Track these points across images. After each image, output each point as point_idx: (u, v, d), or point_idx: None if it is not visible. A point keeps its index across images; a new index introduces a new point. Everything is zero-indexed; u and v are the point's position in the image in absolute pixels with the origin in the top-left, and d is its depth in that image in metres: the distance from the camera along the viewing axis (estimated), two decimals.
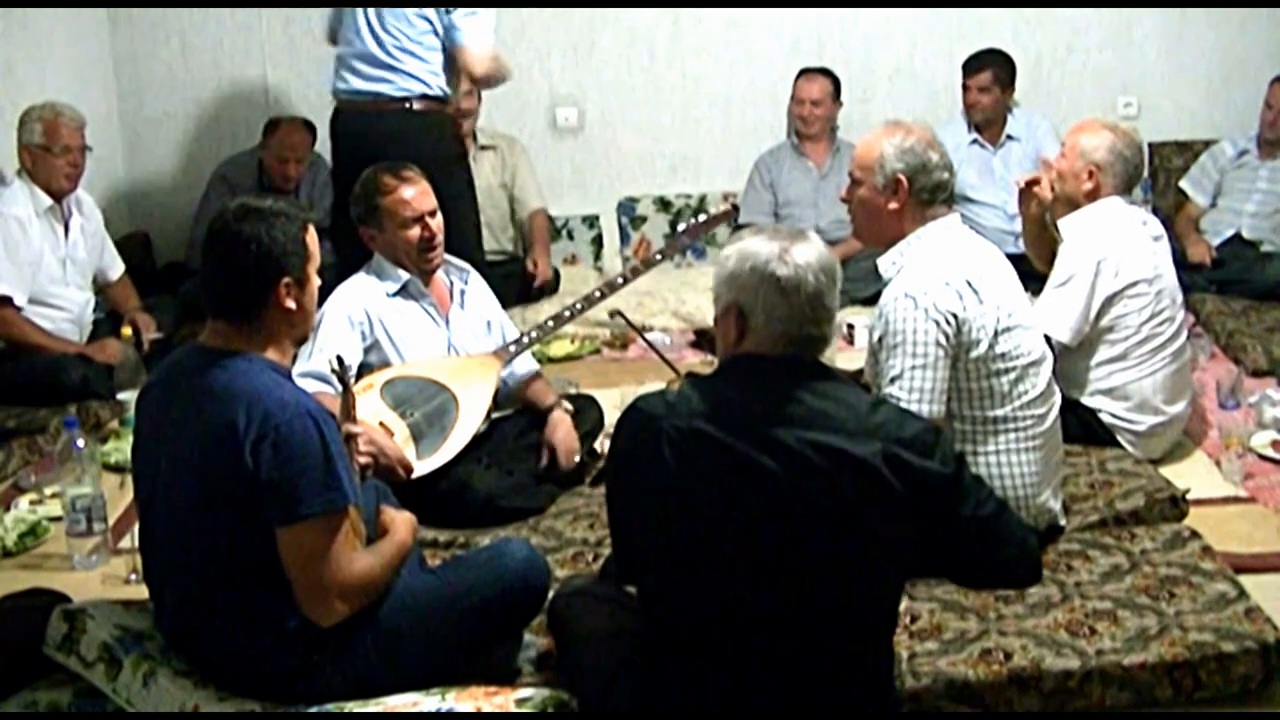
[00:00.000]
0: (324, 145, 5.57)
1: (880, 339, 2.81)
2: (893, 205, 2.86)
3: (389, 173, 3.45)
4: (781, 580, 2.06)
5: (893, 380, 2.75)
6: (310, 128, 5.35)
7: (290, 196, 5.29)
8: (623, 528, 2.25)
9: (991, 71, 5.39)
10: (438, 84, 4.24)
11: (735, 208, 4.29)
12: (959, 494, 2.13)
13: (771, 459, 2.03)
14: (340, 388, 2.75)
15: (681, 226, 3.90)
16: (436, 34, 4.19)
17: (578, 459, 3.47)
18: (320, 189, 5.46)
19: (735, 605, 2.08)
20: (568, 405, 3.54)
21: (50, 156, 4.34)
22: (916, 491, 2.06)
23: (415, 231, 3.38)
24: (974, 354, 2.80)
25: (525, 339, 3.60)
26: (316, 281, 2.41)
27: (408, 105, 4.21)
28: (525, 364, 3.63)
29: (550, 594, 2.60)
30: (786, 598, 2.06)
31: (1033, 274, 3.62)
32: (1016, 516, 2.31)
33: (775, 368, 2.12)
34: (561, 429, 3.48)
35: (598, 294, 3.74)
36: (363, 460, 2.95)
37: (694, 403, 2.11)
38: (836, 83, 5.60)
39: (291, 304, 2.32)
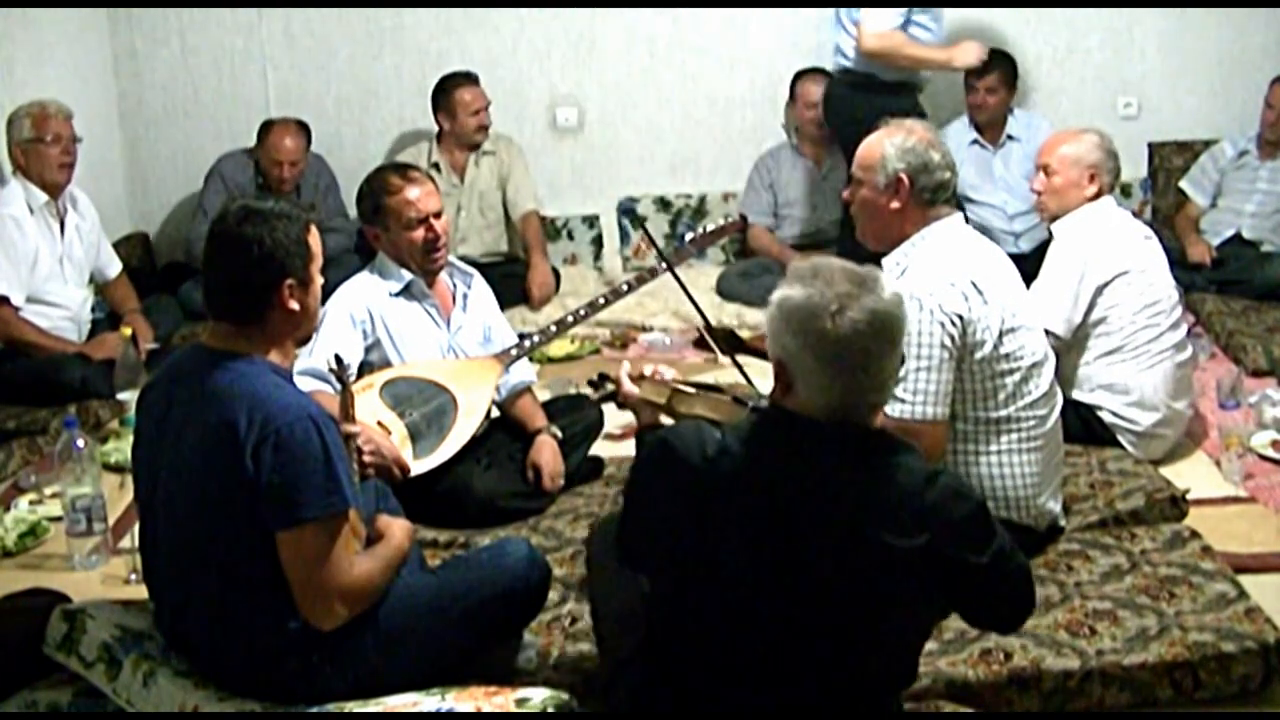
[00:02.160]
0: (322, 145, 5.62)
1: None
2: (894, 205, 2.86)
3: (396, 172, 3.45)
4: (791, 637, 1.99)
5: (897, 382, 2.74)
6: (304, 129, 5.32)
7: (291, 197, 5.29)
8: (637, 544, 2.17)
9: (999, 72, 5.39)
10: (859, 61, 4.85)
11: (744, 218, 4.28)
12: (992, 581, 2.00)
13: (804, 539, 1.93)
14: (339, 387, 2.75)
15: (688, 236, 3.88)
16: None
17: (562, 482, 3.44)
18: (323, 191, 5.45)
19: (743, 659, 2.02)
20: (556, 431, 3.51)
21: (42, 147, 4.33)
22: (951, 579, 1.97)
23: (420, 233, 3.37)
24: (979, 355, 2.79)
25: (527, 343, 3.59)
26: (319, 281, 2.40)
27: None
28: (520, 372, 3.61)
29: (596, 524, 2.60)
30: (800, 657, 2.00)
31: (1034, 274, 3.62)
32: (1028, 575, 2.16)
33: (821, 435, 1.95)
34: (547, 451, 3.44)
35: (601, 300, 3.74)
36: (366, 459, 2.95)
37: (726, 463, 1.97)
38: None
39: (295, 305, 2.32)
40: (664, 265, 3.72)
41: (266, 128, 5.29)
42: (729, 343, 3.86)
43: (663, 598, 2.15)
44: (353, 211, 5.44)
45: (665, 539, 2.06)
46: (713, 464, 1.97)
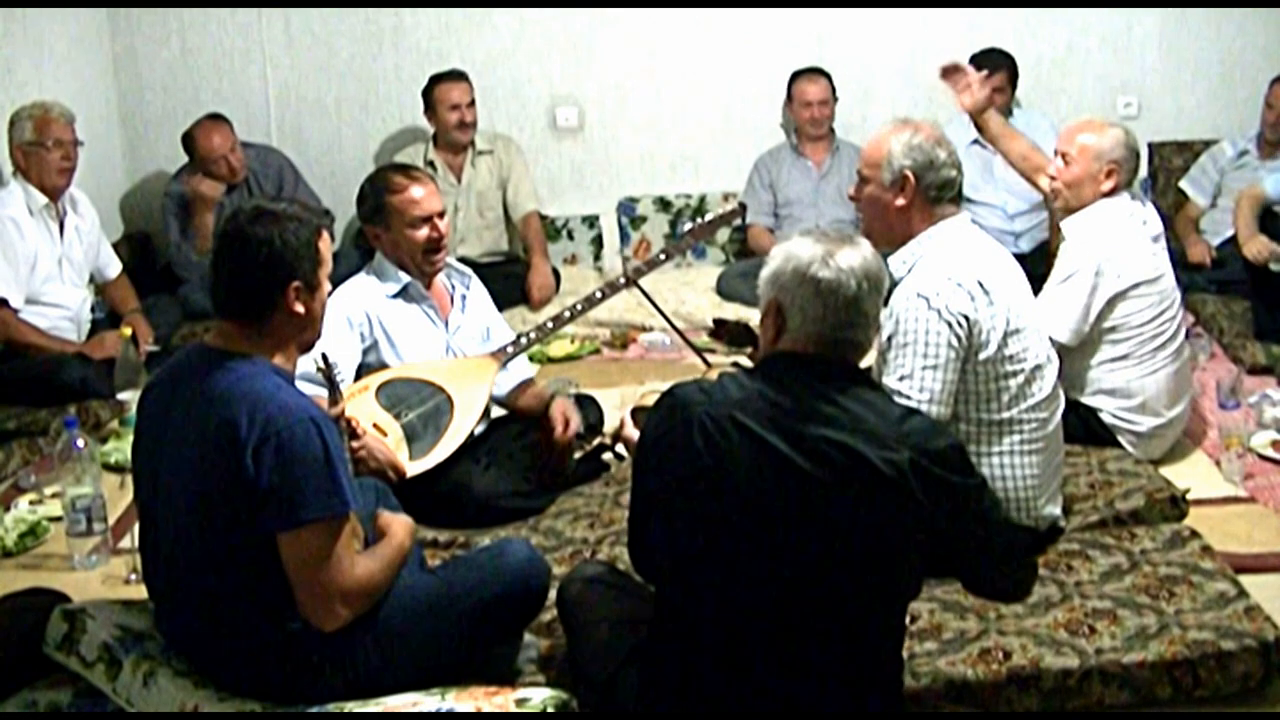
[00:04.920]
0: (322, 145, 5.62)
1: (890, 338, 2.81)
2: (900, 202, 2.86)
3: (399, 172, 3.44)
4: (797, 575, 2.06)
5: (901, 379, 2.74)
6: (222, 119, 5.26)
7: (245, 187, 5.27)
8: (643, 511, 2.24)
9: (1005, 71, 5.39)
10: None
11: (743, 205, 4.26)
12: (978, 504, 2.14)
13: (800, 455, 2.04)
14: (326, 384, 2.75)
15: (687, 226, 3.88)
16: None
17: (581, 429, 3.49)
18: (274, 178, 5.39)
19: (749, 597, 2.08)
20: (569, 390, 3.52)
21: (43, 151, 4.34)
22: (941, 501, 2.07)
23: (423, 232, 3.37)
24: (983, 355, 2.79)
25: (524, 339, 3.59)
26: (327, 287, 2.40)
27: None
28: (519, 371, 3.61)
29: (560, 579, 2.60)
30: (800, 593, 2.06)
31: (1035, 274, 3.60)
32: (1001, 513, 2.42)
33: (810, 367, 2.14)
34: (563, 402, 3.52)
35: (599, 294, 3.73)
36: (355, 443, 2.94)
37: (729, 393, 2.12)
38: (831, 80, 5.60)
39: (299, 308, 2.32)
40: (666, 256, 3.73)
41: (189, 139, 5.22)
42: (744, 338, 3.86)
43: (672, 568, 2.18)
44: (349, 210, 5.49)
45: (673, 478, 2.12)
46: (709, 395, 2.13)
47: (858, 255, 2.14)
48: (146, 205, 5.77)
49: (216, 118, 5.26)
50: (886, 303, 2.89)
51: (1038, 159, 3.85)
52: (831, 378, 2.13)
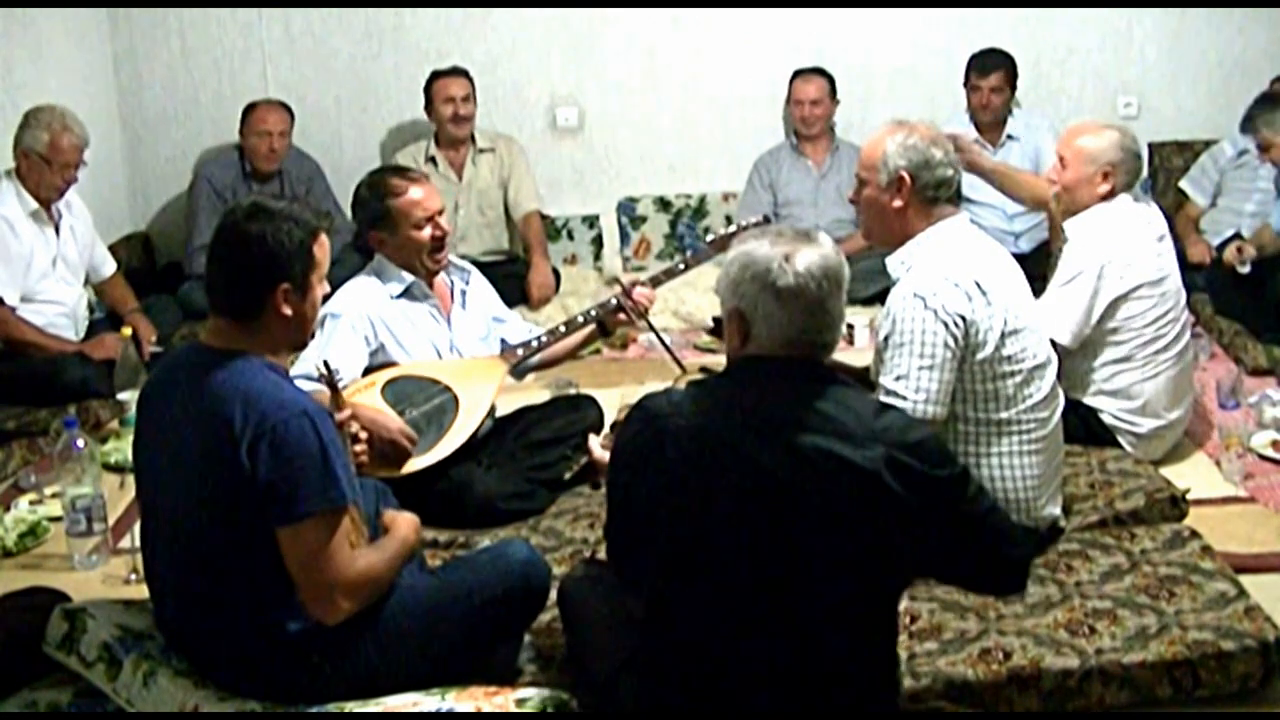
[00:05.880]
0: (322, 145, 5.62)
1: (886, 337, 2.81)
2: (897, 203, 2.86)
3: (396, 174, 3.45)
4: (779, 579, 2.05)
5: (898, 379, 2.74)
6: (287, 108, 5.36)
7: (275, 183, 5.30)
8: (621, 524, 2.24)
9: (1003, 71, 5.39)
10: None
11: (767, 219, 4.25)
12: (964, 494, 2.08)
13: (773, 460, 2.02)
14: (328, 391, 2.74)
15: (710, 237, 3.87)
16: None
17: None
18: (305, 181, 5.43)
19: (738, 600, 2.07)
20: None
21: (47, 169, 4.31)
22: (921, 495, 2.03)
23: (428, 232, 3.38)
24: (980, 356, 2.79)
25: (535, 343, 3.59)
26: (324, 289, 2.39)
27: None
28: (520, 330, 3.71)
29: (560, 579, 2.60)
30: (784, 597, 2.06)
31: (1034, 275, 3.60)
32: (1009, 518, 2.26)
33: (780, 369, 2.10)
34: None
35: (612, 302, 3.73)
36: (361, 441, 2.93)
37: (699, 402, 2.10)
38: (831, 81, 5.61)
39: (288, 311, 2.30)
40: (685, 267, 3.75)
41: (250, 109, 5.32)
42: None
43: (656, 577, 2.17)
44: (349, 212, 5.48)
45: (648, 491, 2.11)
46: (678, 405, 2.11)
47: (816, 253, 2.08)
48: (146, 205, 5.78)
49: (284, 104, 5.37)
50: (882, 302, 2.90)
51: (1042, 185, 3.85)
52: (802, 380, 2.09)
